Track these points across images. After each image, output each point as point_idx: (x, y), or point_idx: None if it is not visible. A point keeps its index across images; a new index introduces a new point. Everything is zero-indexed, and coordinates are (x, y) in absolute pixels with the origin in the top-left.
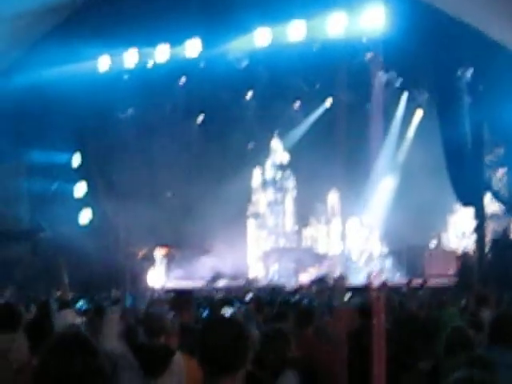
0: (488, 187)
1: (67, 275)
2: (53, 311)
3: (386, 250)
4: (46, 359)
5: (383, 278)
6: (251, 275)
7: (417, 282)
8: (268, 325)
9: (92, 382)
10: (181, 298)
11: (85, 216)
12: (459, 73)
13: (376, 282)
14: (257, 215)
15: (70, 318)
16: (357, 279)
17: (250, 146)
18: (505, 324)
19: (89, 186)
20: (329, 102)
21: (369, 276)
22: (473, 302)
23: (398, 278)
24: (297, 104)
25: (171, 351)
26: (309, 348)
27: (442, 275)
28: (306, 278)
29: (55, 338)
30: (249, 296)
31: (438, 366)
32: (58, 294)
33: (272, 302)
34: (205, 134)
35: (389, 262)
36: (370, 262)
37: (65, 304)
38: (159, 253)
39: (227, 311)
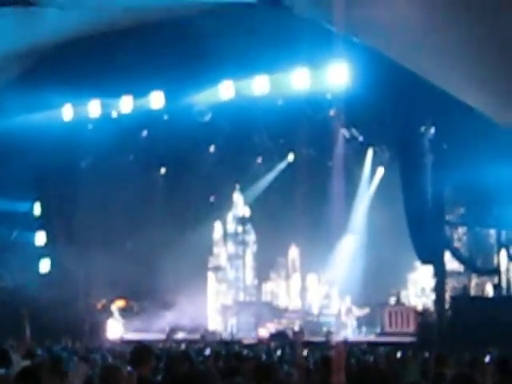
0: (448, 245)
1: (29, 326)
2: (13, 361)
3: (344, 306)
4: None
5: (342, 334)
6: (210, 328)
7: (376, 338)
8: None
9: None
10: (140, 351)
11: (45, 265)
12: (422, 130)
13: (335, 338)
14: (217, 268)
15: None
16: (315, 335)
17: (212, 199)
18: None
19: (48, 235)
20: (291, 157)
21: (328, 332)
22: (433, 361)
23: (357, 335)
24: (259, 158)
25: None
26: None
27: (401, 332)
28: (265, 332)
29: None
30: (207, 350)
31: None
32: (17, 343)
33: (228, 356)
34: (167, 186)
35: (348, 318)
36: (329, 318)
37: (28, 354)
38: (118, 304)
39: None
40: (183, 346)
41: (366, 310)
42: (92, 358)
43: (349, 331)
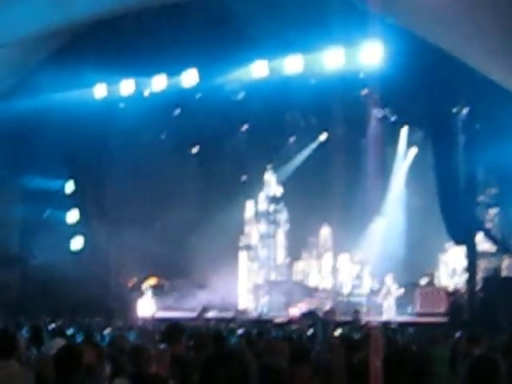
0: (480, 226)
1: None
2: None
3: (376, 286)
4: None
5: (373, 314)
6: (241, 307)
7: (408, 319)
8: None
9: None
10: (172, 329)
11: (76, 243)
12: (455, 111)
13: (364, 319)
14: (249, 247)
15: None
16: (347, 314)
17: (244, 178)
18: (482, 368)
19: (80, 213)
20: (324, 137)
21: (358, 312)
22: (463, 341)
23: (388, 315)
24: (292, 137)
25: (163, 379)
26: None
27: (433, 313)
28: (296, 311)
29: None
30: (240, 330)
31: None
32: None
33: (260, 336)
34: (199, 165)
35: (379, 299)
36: (359, 298)
37: (58, 332)
38: (149, 283)
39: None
40: (214, 325)
41: (401, 291)
42: (123, 336)
43: (379, 311)
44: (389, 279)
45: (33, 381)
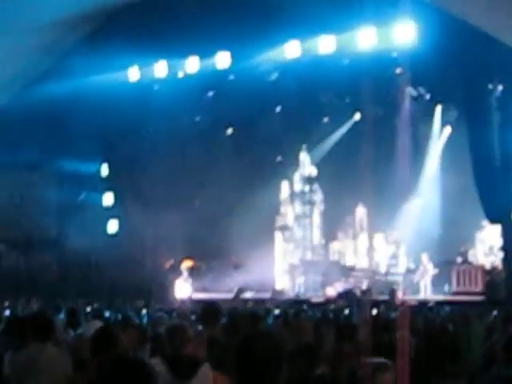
0: None
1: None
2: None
3: (412, 265)
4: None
5: (409, 293)
6: (278, 287)
7: (444, 297)
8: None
9: None
10: (209, 310)
11: (112, 226)
12: (489, 88)
13: (401, 297)
14: (284, 228)
15: None
16: (383, 293)
17: (279, 158)
18: None
19: (116, 196)
20: (358, 116)
21: (394, 291)
22: (500, 320)
23: (425, 294)
24: (326, 117)
25: (198, 360)
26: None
27: (469, 291)
28: (332, 291)
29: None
30: (277, 311)
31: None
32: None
33: (297, 316)
34: (234, 146)
35: (416, 278)
36: (396, 277)
37: (95, 314)
38: (186, 264)
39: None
40: (251, 306)
41: (437, 270)
42: (160, 316)
43: (416, 290)
44: (425, 258)
45: (70, 363)
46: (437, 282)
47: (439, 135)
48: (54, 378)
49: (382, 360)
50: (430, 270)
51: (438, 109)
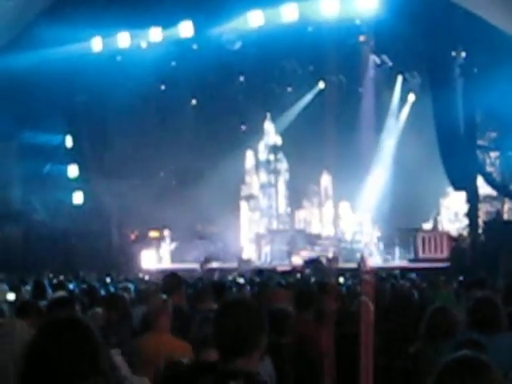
0: (480, 170)
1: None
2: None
3: (378, 233)
4: (39, 340)
5: (375, 260)
6: (244, 257)
7: (409, 264)
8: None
9: (82, 361)
10: (170, 280)
11: (78, 197)
12: (453, 55)
13: (367, 265)
14: (250, 197)
15: None
16: (349, 261)
17: (243, 128)
18: (484, 308)
19: (81, 167)
20: (322, 85)
21: (361, 258)
22: (466, 285)
23: (390, 261)
24: (290, 86)
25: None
26: (308, 330)
27: (434, 258)
28: (299, 259)
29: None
30: (242, 279)
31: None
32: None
33: (264, 285)
34: (198, 116)
35: (381, 245)
36: (361, 245)
37: (59, 286)
38: (152, 235)
39: None
40: (217, 275)
41: (399, 236)
42: (125, 286)
43: (381, 257)
44: (390, 225)
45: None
46: (403, 249)
47: (402, 104)
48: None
49: None
50: (396, 237)
51: (400, 78)
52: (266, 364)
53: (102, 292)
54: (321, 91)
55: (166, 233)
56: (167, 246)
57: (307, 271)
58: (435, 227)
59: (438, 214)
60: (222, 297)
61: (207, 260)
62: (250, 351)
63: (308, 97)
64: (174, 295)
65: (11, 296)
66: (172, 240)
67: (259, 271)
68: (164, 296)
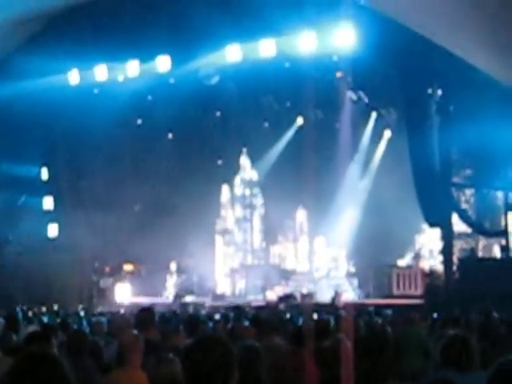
0: (455, 207)
1: None
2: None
3: (352, 268)
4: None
5: (350, 296)
6: (218, 291)
7: (384, 301)
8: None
9: None
10: (143, 314)
11: (53, 230)
12: (429, 92)
13: (342, 301)
14: (225, 231)
15: None
16: (323, 297)
17: (219, 162)
18: (457, 347)
19: (56, 199)
20: (299, 121)
21: (335, 295)
22: (440, 323)
23: (364, 297)
24: (266, 121)
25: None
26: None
27: (409, 295)
28: (273, 295)
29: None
30: (217, 315)
31: None
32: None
33: (238, 320)
34: (174, 150)
35: (356, 281)
36: (336, 281)
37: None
38: (126, 268)
39: None
40: (191, 310)
41: (374, 272)
42: (99, 321)
43: (356, 293)
44: (365, 261)
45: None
46: (377, 285)
47: (378, 140)
48: None
49: None
50: (371, 273)
51: (374, 115)
52: None
53: (75, 326)
54: (298, 127)
55: (141, 266)
56: (141, 280)
57: (281, 306)
58: (417, 263)
59: (411, 250)
60: (196, 331)
61: (181, 294)
62: None
63: (285, 132)
64: (147, 330)
65: None
66: (147, 273)
67: (233, 307)
68: (135, 331)
